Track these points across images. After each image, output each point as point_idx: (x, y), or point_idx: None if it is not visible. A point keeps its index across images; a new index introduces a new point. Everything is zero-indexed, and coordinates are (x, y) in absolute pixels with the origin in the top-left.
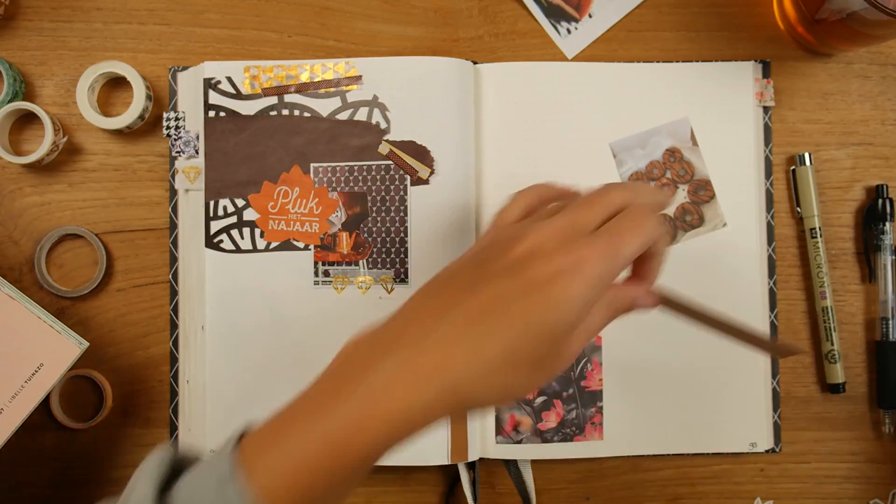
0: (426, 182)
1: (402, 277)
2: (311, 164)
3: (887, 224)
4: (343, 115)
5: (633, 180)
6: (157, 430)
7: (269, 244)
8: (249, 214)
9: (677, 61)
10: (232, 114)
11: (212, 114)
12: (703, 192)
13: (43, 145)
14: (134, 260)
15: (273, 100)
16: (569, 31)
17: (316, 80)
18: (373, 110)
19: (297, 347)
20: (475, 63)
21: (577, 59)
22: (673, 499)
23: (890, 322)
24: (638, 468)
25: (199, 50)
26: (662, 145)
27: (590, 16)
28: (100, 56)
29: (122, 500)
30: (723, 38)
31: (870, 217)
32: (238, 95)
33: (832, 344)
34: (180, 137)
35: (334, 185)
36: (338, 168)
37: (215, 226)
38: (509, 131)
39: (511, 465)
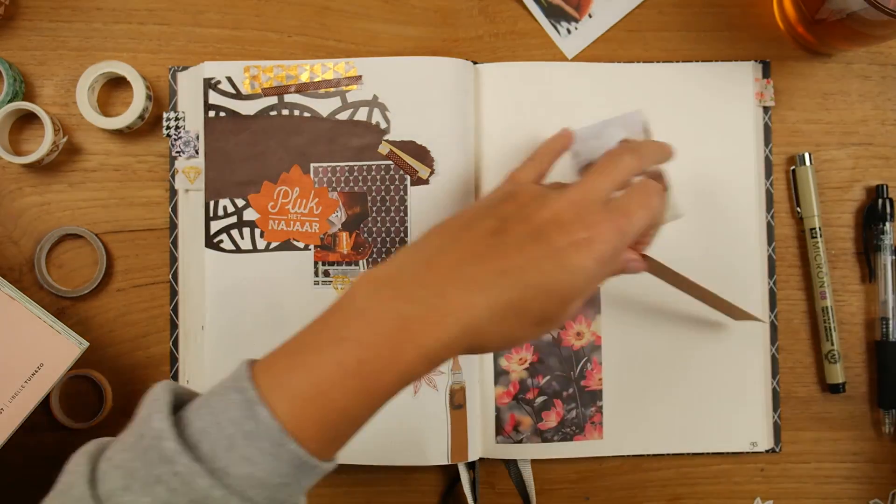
0: (426, 182)
1: None
2: (311, 164)
3: (887, 224)
4: (343, 115)
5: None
6: None
7: (269, 244)
8: (249, 214)
9: (677, 61)
10: (232, 114)
11: (212, 114)
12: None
13: (43, 145)
14: (134, 260)
15: (273, 100)
16: (569, 31)
17: (316, 80)
18: (373, 110)
19: None
20: (475, 63)
21: (577, 59)
22: (673, 499)
23: (890, 322)
24: (638, 468)
25: (199, 50)
26: (616, 136)
27: (590, 16)
28: (100, 56)
29: (137, 427)
30: (723, 38)
31: (870, 217)
32: (238, 95)
33: (832, 344)
34: (180, 137)
35: (334, 185)
36: (338, 168)
37: (215, 226)
38: (509, 131)
39: (511, 465)
